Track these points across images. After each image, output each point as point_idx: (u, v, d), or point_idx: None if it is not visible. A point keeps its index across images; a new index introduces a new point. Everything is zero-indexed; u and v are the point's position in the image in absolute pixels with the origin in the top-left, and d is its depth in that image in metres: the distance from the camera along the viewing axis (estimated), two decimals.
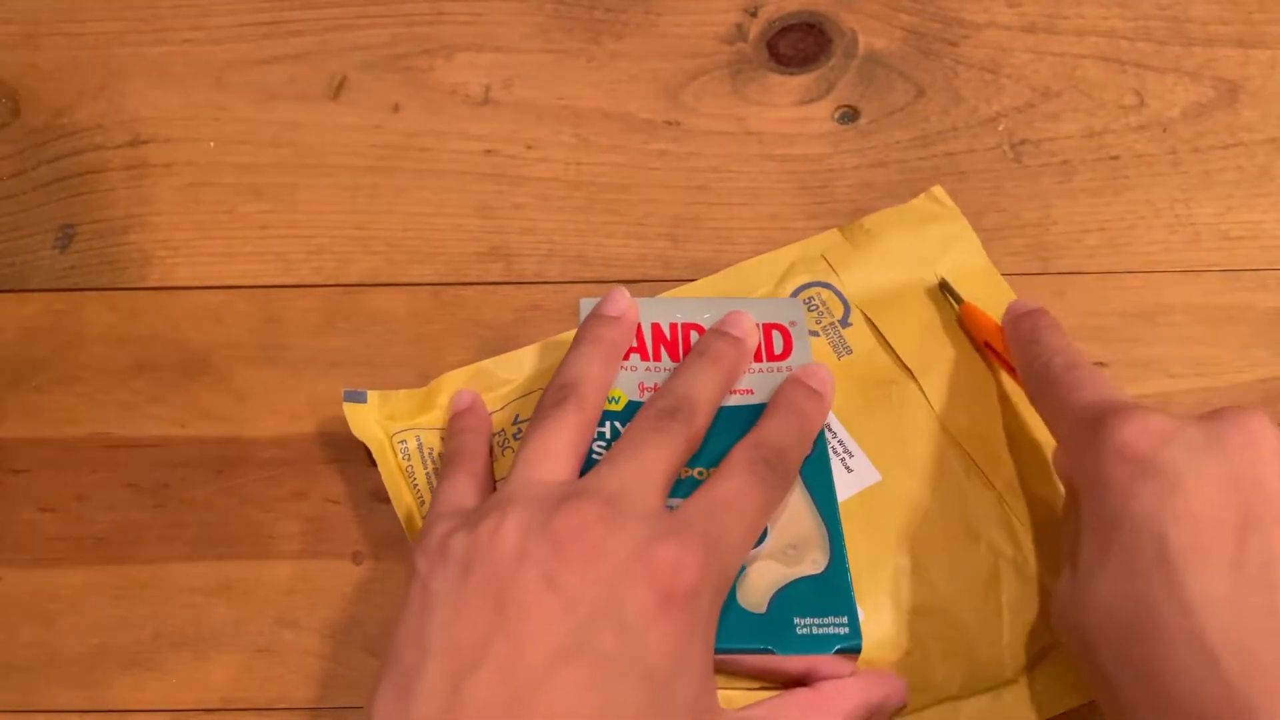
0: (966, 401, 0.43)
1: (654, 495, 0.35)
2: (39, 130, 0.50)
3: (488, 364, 0.44)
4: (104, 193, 0.49)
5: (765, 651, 0.36)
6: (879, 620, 0.39)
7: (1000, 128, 0.49)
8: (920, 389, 0.43)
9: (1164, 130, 0.48)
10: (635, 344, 0.41)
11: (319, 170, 0.49)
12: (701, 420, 0.37)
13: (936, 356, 0.44)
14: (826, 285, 0.45)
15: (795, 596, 0.37)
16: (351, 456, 0.44)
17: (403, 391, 0.43)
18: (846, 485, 0.41)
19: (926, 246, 0.46)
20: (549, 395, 0.38)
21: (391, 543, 0.43)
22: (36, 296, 0.47)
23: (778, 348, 0.41)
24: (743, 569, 0.37)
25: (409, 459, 0.42)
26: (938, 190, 0.47)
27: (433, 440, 0.43)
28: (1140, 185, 0.47)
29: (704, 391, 0.38)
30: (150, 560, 0.43)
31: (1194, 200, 0.47)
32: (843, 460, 0.41)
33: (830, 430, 0.42)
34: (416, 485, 0.42)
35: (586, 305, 0.41)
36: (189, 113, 0.50)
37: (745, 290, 0.46)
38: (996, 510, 0.41)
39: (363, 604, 0.42)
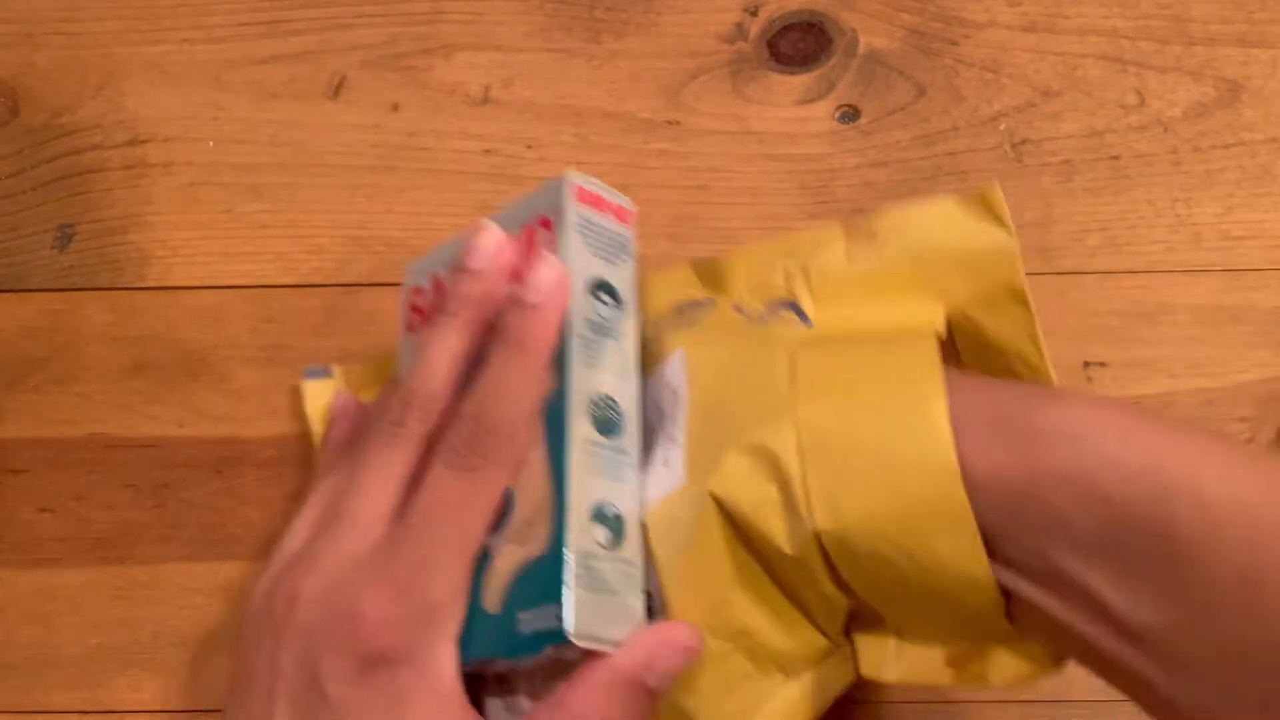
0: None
1: (371, 530, 0.33)
2: (37, 130, 0.50)
3: None
4: (103, 192, 0.49)
5: (501, 658, 0.31)
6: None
7: (1001, 127, 0.48)
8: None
9: (1165, 130, 0.48)
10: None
11: (318, 170, 0.49)
12: (446, 403, 0.33)
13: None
14: (794, 307, 0.36)
15: (521, 587, 0.31)
16: None
17: (358, 366, 0.43)
18: (660, 482, 0.32)
19: (941, 271, 0.35)
20: (391, 409, 0.34)
21: None
22: (35, 296, 0.47)
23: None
24: (488, 558, 0.32)
25: None
26: (994, 194, 0.35)
27: None
28: (1141, 185, 0.47)
29: (441, 370, 0.33)
30: (149, 560, 0.43)
31: (1195, 200, 0.47)
32: (666, 449, 0.33)
33: (674, 392, 0.33)
34: None
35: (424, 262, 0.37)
36: (188, 112, 0.50)
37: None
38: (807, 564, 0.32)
39: None
